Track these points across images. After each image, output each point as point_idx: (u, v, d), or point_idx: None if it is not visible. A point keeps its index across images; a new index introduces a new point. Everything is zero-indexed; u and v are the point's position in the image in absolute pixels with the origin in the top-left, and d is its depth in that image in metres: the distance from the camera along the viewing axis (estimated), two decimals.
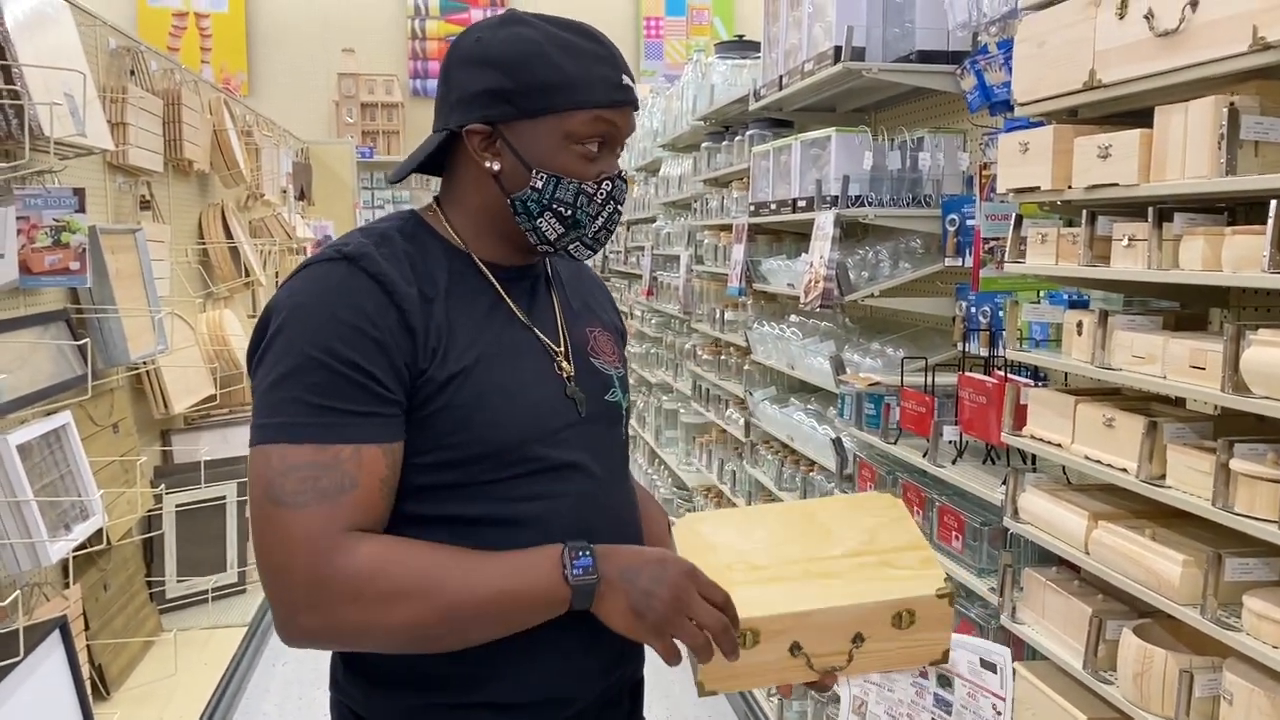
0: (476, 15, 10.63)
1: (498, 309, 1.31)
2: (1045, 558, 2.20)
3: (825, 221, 3.06)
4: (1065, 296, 2.45)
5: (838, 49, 3.05)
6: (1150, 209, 1.73)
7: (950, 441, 2.55)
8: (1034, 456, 2.30)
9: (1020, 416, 2.16)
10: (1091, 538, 1.90)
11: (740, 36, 5.10)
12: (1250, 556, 1.63)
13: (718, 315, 4.43)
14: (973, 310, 2.82)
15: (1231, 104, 1.56)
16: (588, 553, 1.18)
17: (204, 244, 5.26)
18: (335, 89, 10.29)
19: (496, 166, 1.27)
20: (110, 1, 9.52)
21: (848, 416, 3.01)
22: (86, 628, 3.44)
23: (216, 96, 5.37)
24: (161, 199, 4.65)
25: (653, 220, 5.58)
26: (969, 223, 2.82)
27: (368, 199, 10.46)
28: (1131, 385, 1.86)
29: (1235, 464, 1.57)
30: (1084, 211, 1.92)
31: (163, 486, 4.34)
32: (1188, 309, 2.10)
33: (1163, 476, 1.75)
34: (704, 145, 4.60)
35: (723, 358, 4.50)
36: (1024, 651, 2.18)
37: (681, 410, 5.36)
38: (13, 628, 2.66)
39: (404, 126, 10.47)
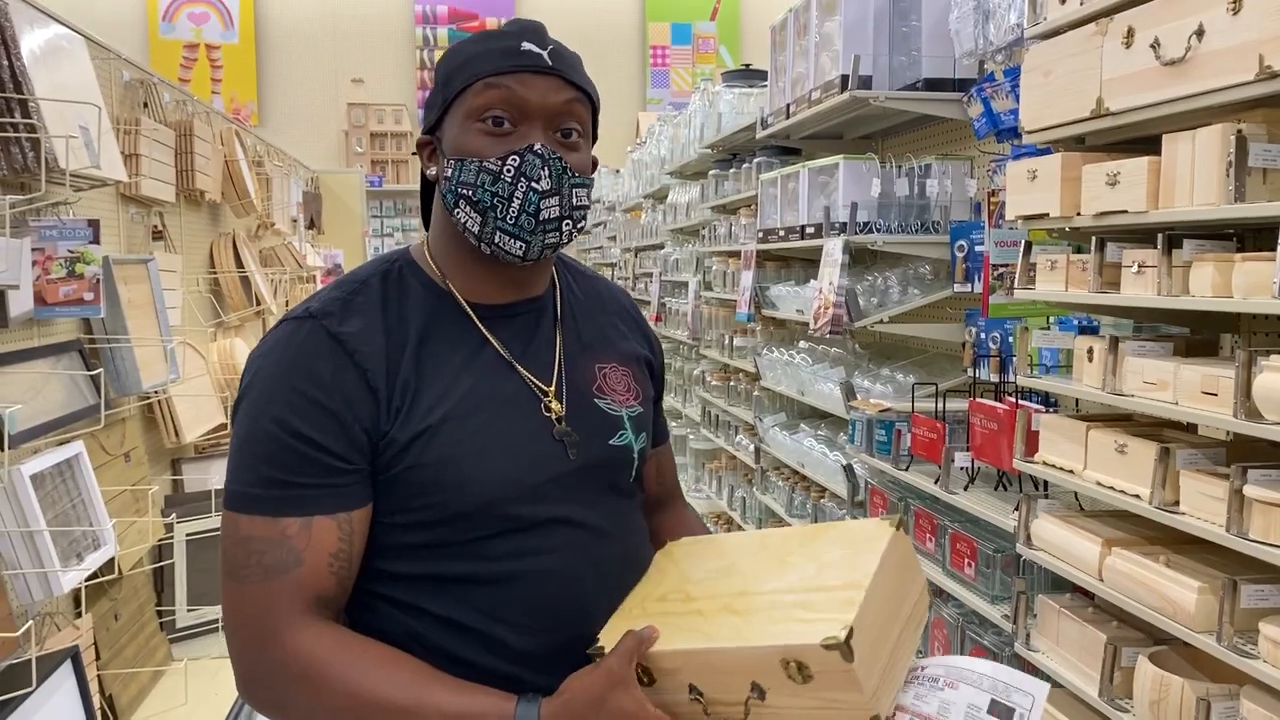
0: None
1: (480, 353, 1.23)
2: (1059, 584, 2.19)
3: (834, 248, 3.07)
4: (1075, 322, 2.46)
5: (844, 78, 3.07)
6: (1160, 235, 1.74)
7: (962, 468, 2.55)
8: (1046, 483, 2.30)
9: (1032, 443, 2.16)
10: (1105, 564, 1.89)
11: (747, 65, 5.14)
12: (1266, 583, 1.63)
13: (726, 341, 4.44)
14: (982, 336, 2.82)
15: (1239, 131, 1.58)
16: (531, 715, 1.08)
17: (215, 273, 5.29)
18: (345, 118, 10.38)
19: (433, 171, 1.26)
20: (122, 34, 9.64)
21: (858, 443, 3.01)
22: (97, 657, 3.43)
23: (228, 127, 5.42)
24: (173, 229, 4.69)
25: (661, 247, 5.60)
26: (977, 249, 2.83)
27: (377, 227, 10.53)
28: (1143, 411, 1.86)
29: (1249, 490, 1.57)
30: (1093, 238, 1.93)
31: (174, 515, 4.34)
32: (1198, 335, 2.11)
33: (1176, 503, 1.75)
34: (712, 173, 4.63)
35: (732, 384, 4.50)
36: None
37: (691, 436, 5.36)
38: (25, 658, 2.66)
39: (413, 157, 10.54)
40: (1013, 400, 2.37)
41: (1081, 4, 1.93)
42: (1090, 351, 1.96)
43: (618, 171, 7.40)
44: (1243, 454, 1.77)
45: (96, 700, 3.13)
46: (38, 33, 3.06)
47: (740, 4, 10.86)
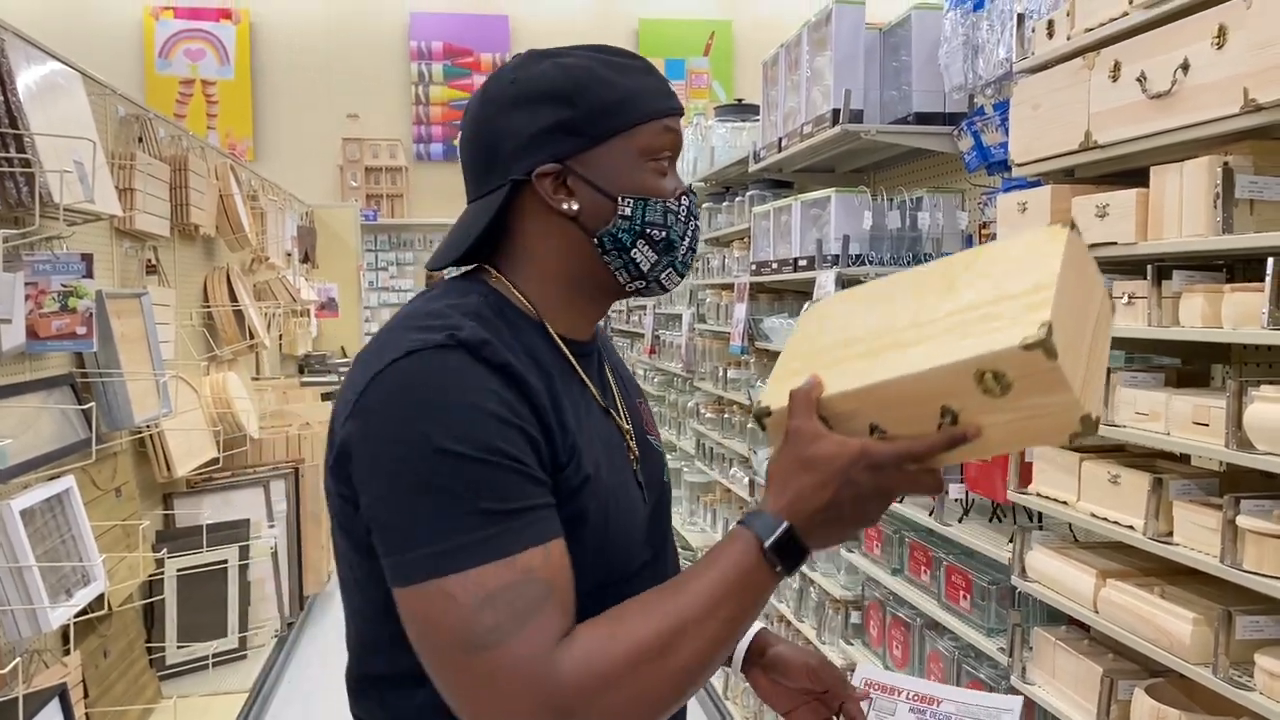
0: (479, 80, 10.80)
1: (585, 393, 1.16)
2: (1054, 617, 2.18)
3: (826, 280, 3.08)
4: None
5: (836, 111, 3.10)
6: (1149, 267, 1.75)
7: (956, 499, 2.54)
8: (1040, 514, 2.30)
9: (1026, 474, 2.16)
10: (1100, 596, 1.89)
11: (739, 100, 5.18)
12: (1261, 614, 1.62)
13: (720, 373, 4.44)
14: None
15: (1225, 163, 1.59)
16: (768, 524, 1.00)
17: (209, 307, 5.29)
18: (340, 153, 10.43)
19: (575, 206, 1.12)
20: (119, 70, 9.70)
21: None
22: (86, 695, 3.40)
23: (223, 162, 5.45)
24: (167, 263, 4.70)
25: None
26: None
27: (371, 261, 10.55)
28: (1135, 442, 1.86)
29: (1242, 521, 1.56)
30: None
31: (164, 551, 4.32)
32: (1189, 365, 2.11)
33: (1170, 533, 1.74)
34: (705, 205, 4.65)
35: (726, 416, 4.50)
36: (1035, 713, 2.15)
37: (685, 469, 5.35)
38: (12, 695, 2.64)
39: (408, 190, 10.58)
40: None
41: (1069, 39, 1.96)
42: None
43: None
44: (1235, 484, 1.77)
45: None
46: (34, 69, 3.08)
47: (733, 39, 10.97)
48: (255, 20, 10.35)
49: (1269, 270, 1.50)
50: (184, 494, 4.86)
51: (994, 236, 2.47)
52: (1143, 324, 1.76)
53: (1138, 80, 1.71)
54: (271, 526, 5.05)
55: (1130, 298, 1.80)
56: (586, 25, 10.96)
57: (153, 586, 4.22)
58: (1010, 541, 2.20)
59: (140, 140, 4.34)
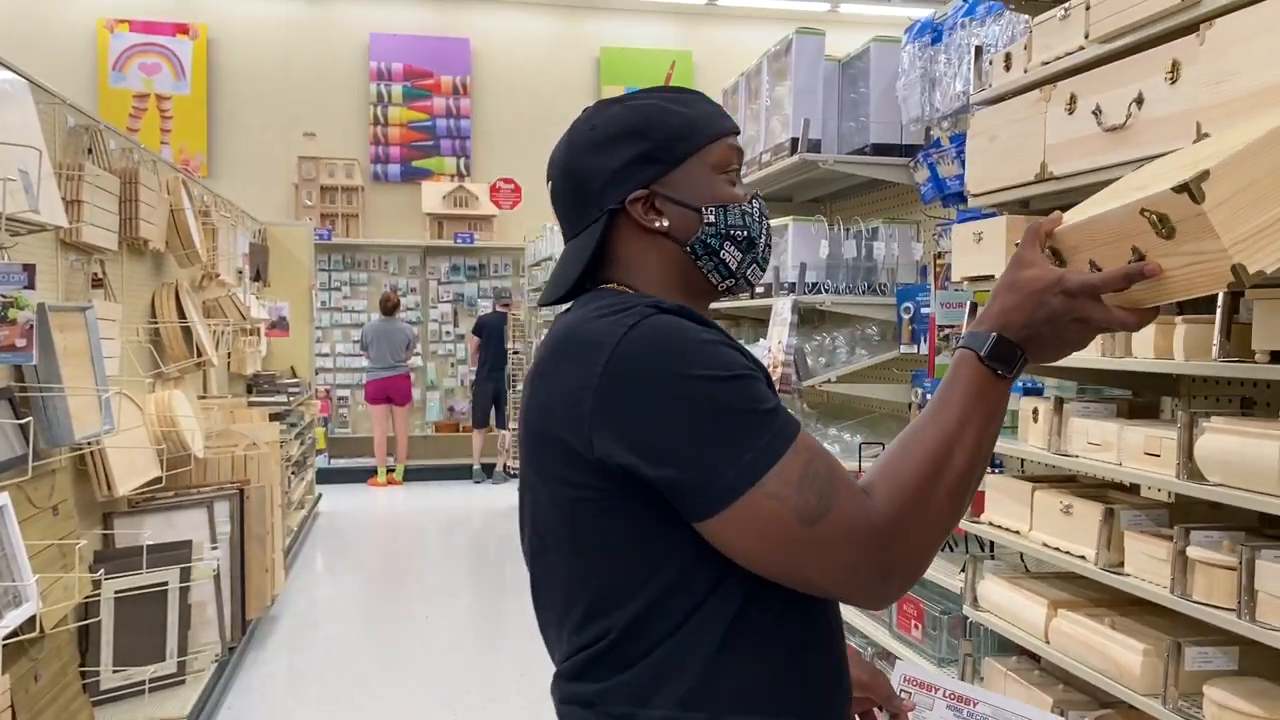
0: (439, 103, 10.78)
1: None
2: (1005, 647, 2.18)
3: (783, 307, 3.09)
4: (1020, 384, 2.48)
5: (794, 141, 3.11)
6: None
7: None
8: (992, 543, 2.30)
9: (978, 503, 2.16)
10: (1051, 626, 1.88)
11: None
12: (1209, 645, 1.63)
13: None
14: (927, 397, 2.83)
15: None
16: (979, 339, 1.12)
17: (156, 323, 5.19)
18: (295, 171, 10.33)
19: (665, 223, 1.27)
20: (72, 81, 9.55)
21: None
22: None
23: (175, 176, 5.36)
24: (114, 277, 4.60)
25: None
26: (923, 310, 2.85)
27: (324, 280, 10.43)
28: (1087, 472, 1.87)
29: (1192, 551, 1.57)
30: None
31: (102, 571, 4.20)
32: (1139, 397, 2.13)
33: (1121, 564, 1.75)
34: None
35: None
36: None
37: None
38: None
39: (363, 210, 10.50)
40: None
41: (1025, 71, 1.98)
42: (1035, 412, 1.97)
43: None
44: (1185, 515, 1.78)
45: None
46: None
47: (693, 69, 11.05)
48: (213, 36, 10.25)
49: (1219, 303, 1.51)
50: (124, 513, 4.73)
51: (948, 266, 2.49)
52: (1096, 354, 1.78)
53: (1093, 113, 1.73)
54: (214, 548, 4.94)
55: None
56: (549, 52, 11.00)
57: (88, 608, 4.10)
58: (962, 571, 2.20)
59: (90, 152, 4.26)
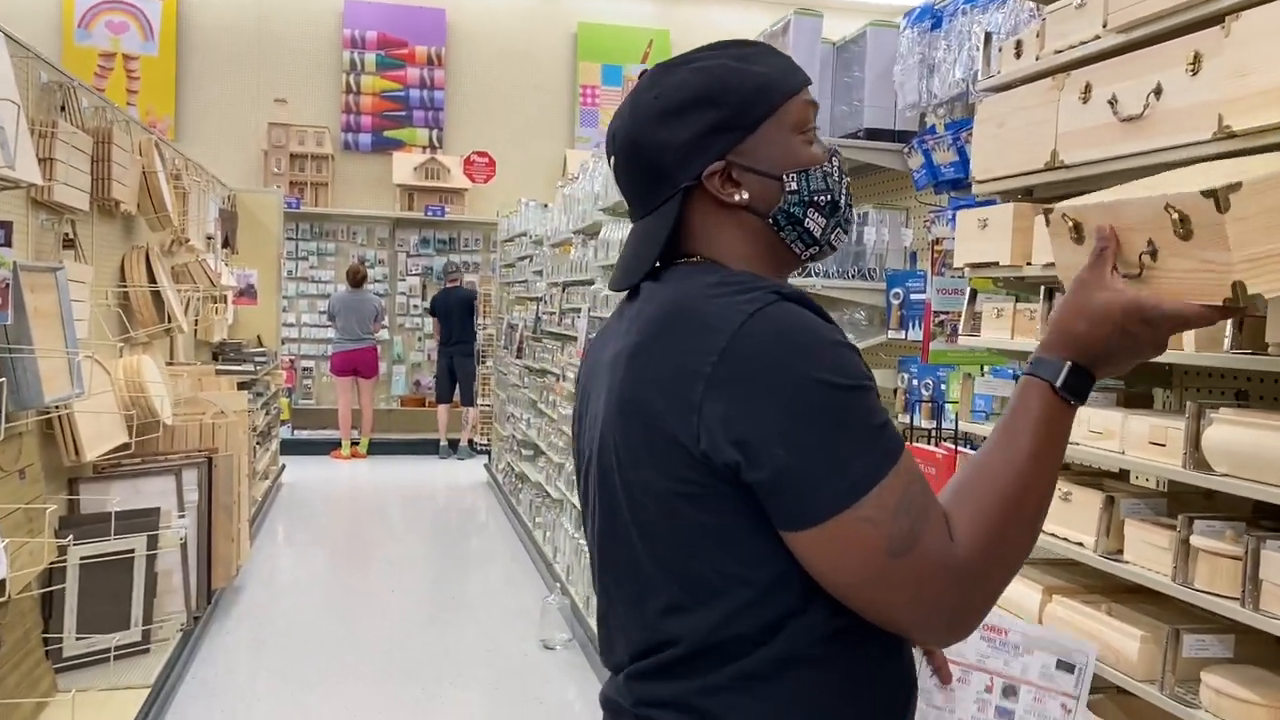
0: (413, 73, 10.65)
1: None
2: None
3: None
4: (1010, 371, 2.50)
5: None
6: None
7: None
8: None
9: None
10: (1046, 612, 1.90)
11: None
12: (1207, 633, 1.65)
13: None
14: (914, 383, 2.85)
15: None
16: (1054, 368, 1.09)
17: (125, 287, 5.09)
18: (265, 138, 10.17)
19: (745, 195, 1.18)
20: (35, 38, 9.30)
21: None
22: None
23: (147, 138, 5.25)
24: (85, 238, 4.51)
25: (591, 283, 5.58)
26: (914, 296, 2.86)
27: (291, 250, 10.30)
28: (1087, 460, 1.89)
29: (1196, 540, 1.59)
30: (1042, 288, 1.96)
31: (70, 537, 4.13)
32: (1133, 388, 2.15)
33: (1120, 551, 1.77)
34: None
35: None
36: None
37: None
38: None
39: (333, 179, 10.37)
40: (949, 446, 2.39)
41: (1037, 59, 1.98)
42: None
43: (546, 206, 7.36)
44: (1180, 504, 1.80)
45: None
46: None
47: (671, 48, 11.00)
48: None
49: None
50: (91, 479, 4.65)
51: (946, 253, 2.49)
52: None
53: (1109, 103, 1.73)
54: (182, 516, 4.87)
55: None
56: (525, 23, 10.89)
57: (53, 574, 4.03)
58: None
59: (63, 109, 4.16)
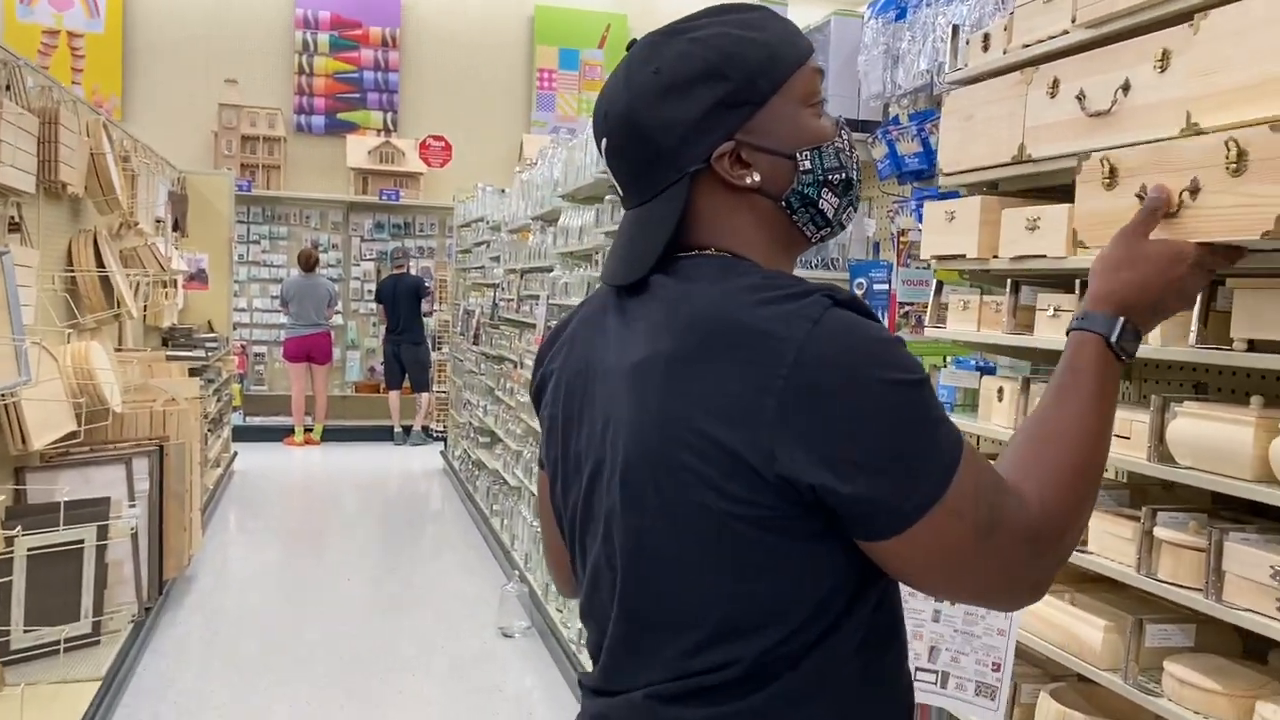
0: (367, 55, 10.50)
1: None
2: None
3: None
4: (973, 363, 2.52)
5: None
6: (1078, 282, 1.79)
7: None
8: None
9: None
10: None
11: None
12: (1170, 623, 1.68)
13: None
14: None
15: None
16: (1107, 324, 1.14)
17: (73, 271, 4.98)
18: (215, 119, 9.99)
19: (757, 178, 1.10)
20: None
21: None
22: None
23: (95, 119, 5.13)
24: (31, 222, 4.39)
25: (550, 270, 5.55)
26: (876, 287, 2.87)
27: (243, 233, 10.14)
28: None
29: (1159, 532, 1.61)
30: (1008, 281, 1.98)
31: (18, 529, 4.04)
32: None
33: (1084, 542, 1.79)
34: (608, 198, 4.61)
35: None
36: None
37: None
38: None
39: (285, 162, 10.21)
40: None
41: (1005, 53, 1.99)
42: (1000, 391, 2.00)
43: (504, 191, 7.31)
44: (1141, 495, 1.83)
45: None
46: None
47: (629, 32, 10.95)
48: None
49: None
50: (38, 468, 4.55)
51: (912, 244, 2.50)
52: (1059, 335, 1.80)
53: (1077, 98, 1.74)
54: (133, 506, 4.78)
55: (1056, 310, 1.84)
56: (482, 5, 10.79)
57: (0, 566, 3.94)
58: None
59: (8, 88, 4.05)
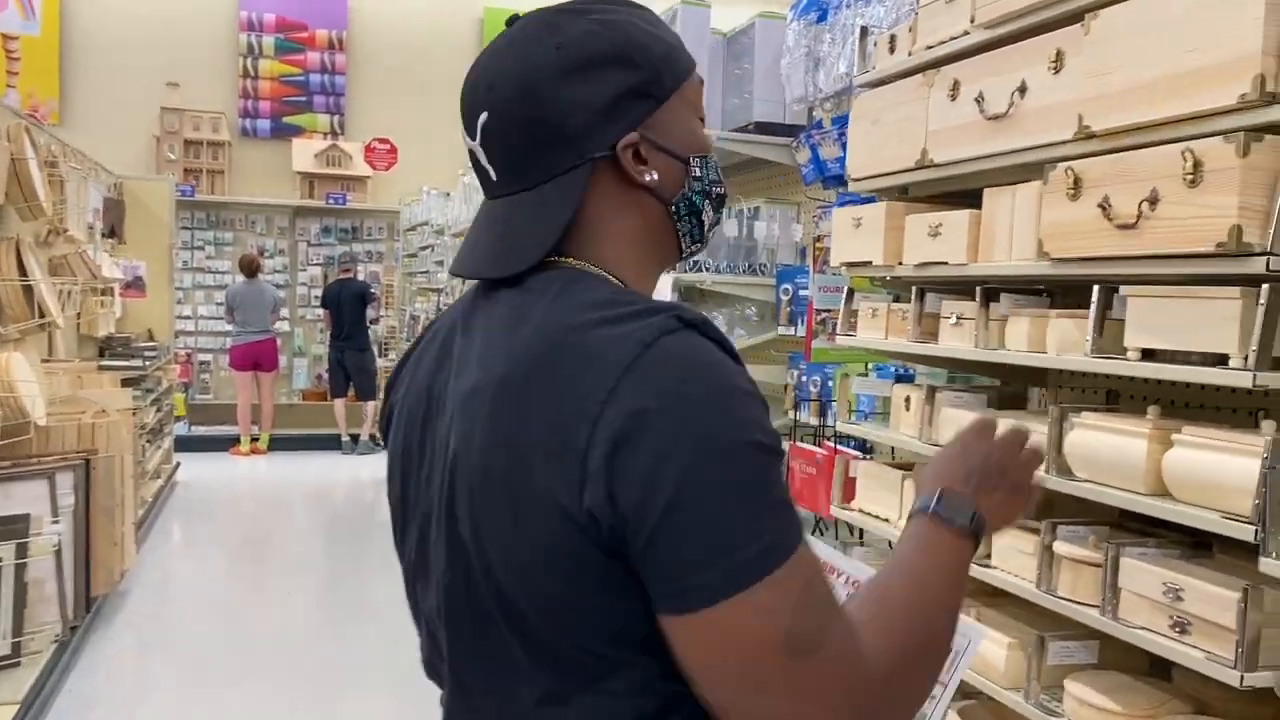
0: (313, 57, 10.35)
1: None
2: None
3: (662, 285, 3.02)
4: (893, 370, 2.47)
5: None
6: (978, 289, 1.74)
7: None
8: (863, 530, 2.29)
9: (849, 489, 2.14)
10: None
11: None
12: (1071, 639, 1.64)
13: None
14: (804, 379, 2.82)
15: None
16: (942, 503, 1.00)
17: None
18: (158, 123, 9.80)
19: (654, 176, 1.01)
20: None
21: None
22: None
23: (16, 123, 4.98)
24: None
25: None
26: (802, 293, 2.83)
27: (187, 239, 9.95)
28: None
29: (1058, 547, 1.57)
30: (914, 288, 1.93)
31: None
32: (1008, 386, 2.14)
33: (988, 556, 1.74)
34: None
35: None
36: None
37: None
38: None
39: (230, 166, 10.04)
40: (832, 446, 2.36)
41: (910, 55, 1.94)
42: (908, 400, 1.95)
43: (448, 195, 7.22)
44: (1050, 508, 1.79)
45: None
46: None
47: None
48: None
49: (1093, 298, 1.50)
50: None
51: (828, 250, 2.46)
52: (970, 345, 1.76)
53: (976, 100, 1.70)
54: (55, 522, 4.64)
55: (959, 318, 1.79)
56: (430, 7, 10.66)
57: None
58: None
59: None
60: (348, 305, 9.34)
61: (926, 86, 1.85)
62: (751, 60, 3.16)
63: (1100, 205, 1.40)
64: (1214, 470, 1.31)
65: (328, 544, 7.01)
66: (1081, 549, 1.54)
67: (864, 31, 2.17)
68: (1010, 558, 1.68)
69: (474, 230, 1.06)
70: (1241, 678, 1.29)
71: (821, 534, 2.48)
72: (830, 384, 2.71)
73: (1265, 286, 1.24)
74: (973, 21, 1.75)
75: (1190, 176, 1.28)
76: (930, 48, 1.88)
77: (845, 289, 2.20)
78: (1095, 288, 1.50)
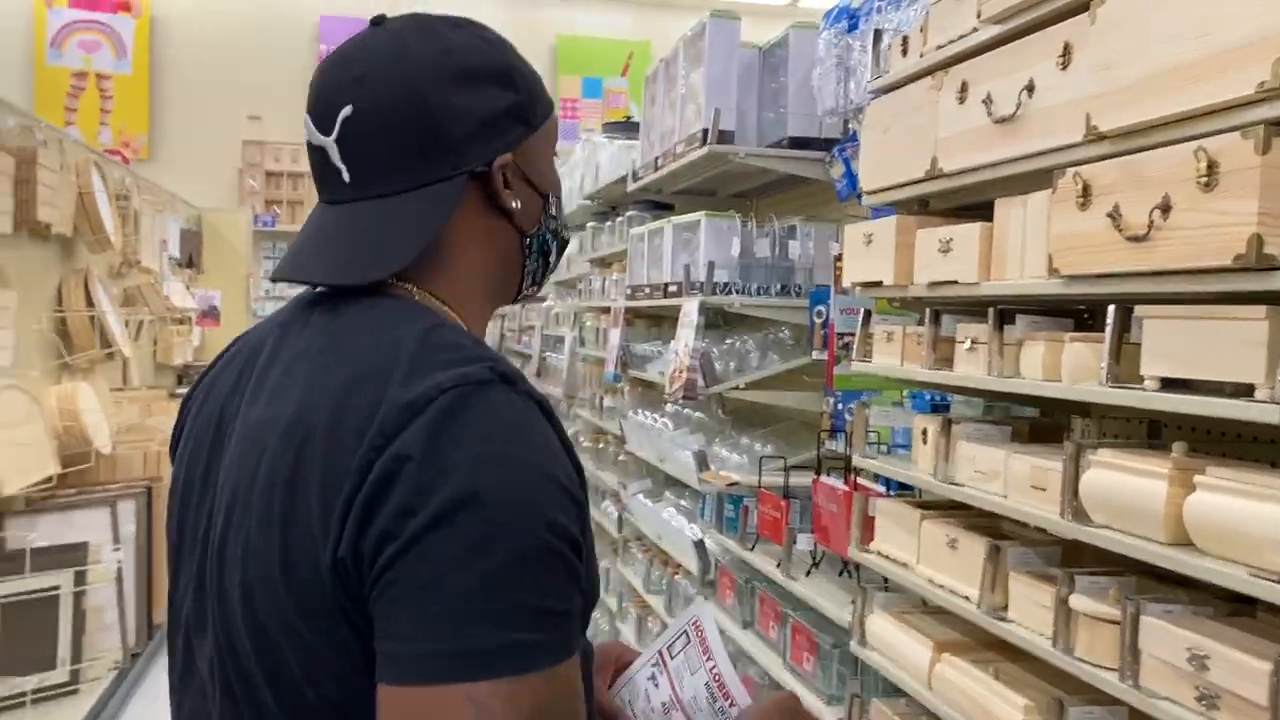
0: None
1: None
2: (897, 686, 2.00)
3: (690, 309, 2.89)
4: (928, 398, 2.30)
5: (705, 131, 2.92)
6: (991, 310, 1.57)
7: (808, 551, 2.36)
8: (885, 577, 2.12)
9: (869, 529, 1.98)
10: (935, 672, 1.70)
11: (628, 117, 5.00)
12: (1094, 704, 1.45)
13: (597, 401, 4.23)
14: (840, 407, 2.65)
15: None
16: None
17: (62, 312, 4.93)
18: (240, 156, 10.04)
19: (518, 204, 0.97)
20: (6, 60, 9.23)
21: (708, 517, 2.81)
22: None
23: (84, 158, 5.10)
24: (10, 263, 4.35)
25: (543, 300, 5.40)
26: (833, 315, 2.67)
27: (267, 269, 10.15)
28: (972, 503, 1.69)
29: (1075, 601, 1.39)
30: (927, 310, 1.77)
31: None
32: (1048, 415, 1.95)
33: (1005, 607, 1.57)
34: (589, 225, 4.46)
35: (601, 446, 4.29)
36: None
37: None
38: None
39: (310, 196, 10.23)
40: (854, 481, 2.19)
41: (921, 56, 1.79)
42: (925, 433, 1.78)
43: None
44: (1076, 555, 1.60)
45: None
46: None
47: (651, 61, 10.84)
48: (156, 14, 9.93)
49: (1109, 320, 1.33)
50: (19, 513, 4.48)
51: (842, 270, 2.30)
52: (983, 372, 1.59)
53: (984, 102, 1.54)
54: (116, 549, 4.69)
55: (972, 342, 1.62)
56: (505, 36, 10.73)
57: None
58: (853, 602, 2.01)
59: None
60: None
61: (935, 89, 1.69)
62: (787, 73, 3.01)
63: (1109, 215, 1.23)
64: (1241, 518, 1.13)
65: None
66: (1099, 604, 1.36)
67: (877, 35, 2.02)
68: (1029, 610, 1.50)
69: (310, 235, 0.96)
70: None
71: (850, 575, 2.31)
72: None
73: None
74: (979, 16, 1.59)
75: (1204, 179, 1.11)
76: (940, 47, 1.72)
77: (863, 311, 2.04)
78: (1110, 308, 1.33)
